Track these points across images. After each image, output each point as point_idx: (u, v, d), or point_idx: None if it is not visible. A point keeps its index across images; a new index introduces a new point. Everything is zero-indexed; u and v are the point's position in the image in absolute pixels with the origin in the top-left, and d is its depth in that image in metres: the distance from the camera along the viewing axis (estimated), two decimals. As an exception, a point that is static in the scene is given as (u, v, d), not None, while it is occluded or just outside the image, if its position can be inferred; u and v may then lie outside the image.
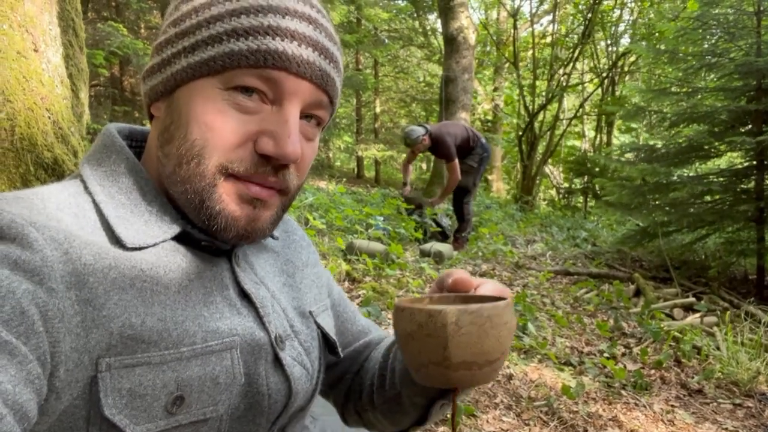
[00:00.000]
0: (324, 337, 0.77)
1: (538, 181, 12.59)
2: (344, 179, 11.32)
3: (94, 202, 0.59)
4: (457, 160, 5.15)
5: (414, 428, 0.78)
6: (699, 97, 5.28)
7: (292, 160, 0.60)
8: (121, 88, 9.34)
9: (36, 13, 1.11)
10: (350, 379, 0.86)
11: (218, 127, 0.58)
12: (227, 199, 0.60)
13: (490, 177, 13.87)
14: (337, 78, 0.65)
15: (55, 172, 1.10)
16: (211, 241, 0.64)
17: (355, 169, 14.80)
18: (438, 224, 5.56)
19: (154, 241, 0.59)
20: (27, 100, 1.06)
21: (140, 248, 0.58)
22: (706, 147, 5.06)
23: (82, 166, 0.63)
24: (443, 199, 5.51)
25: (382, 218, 5.13)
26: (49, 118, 1.12)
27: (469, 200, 5.52)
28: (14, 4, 1.05)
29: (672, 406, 2.50)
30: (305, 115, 0.63)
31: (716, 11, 4.99)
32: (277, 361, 0.65)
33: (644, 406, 2.44)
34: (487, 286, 0.62)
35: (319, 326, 0.75)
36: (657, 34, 10.20)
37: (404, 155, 5.63)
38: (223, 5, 0.59)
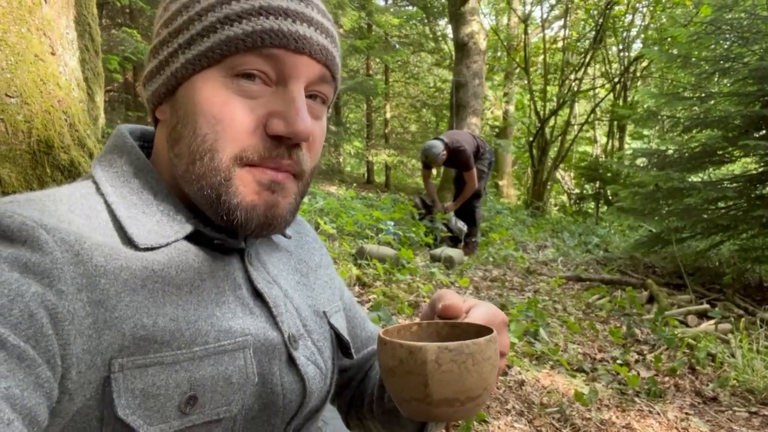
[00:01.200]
0: (337, 337, 0.76)
1: (549, 187, 12.52)
2: (354, 184, 11.33)
3: (106, 202, 0.59)
4: (475, 169, 5.20)
5: None
6: (712, 101, 5.23)
7: (304, 137, 0.59)
8: (134, 93, 9.43)
9: (53, 17, 1.12)
10: (355, 387, 0.86)
11: (227, 117, 0.58)
12: (244, 190, 0.59)
13: (500, 182, 13.82)
14: (335, 52, 0.65)
15: (71, 174, 1.11)
16: (223, 239, 0.63)
17: (365, 175, 14.81)
18: (449, 229, 5.55)
19: (166, 241, 0.58)
20: (44, 102, 1.07)
21: (152, 248, 0.58)
22: (720, 152, 5.01)
23: (94, 167, 0.64)
24: (458, 205, 5.52)
25: (392, 223, 5.13)
26: (66, 120, 1.13)
27: (479, 204, 5.59)
28: (32, 8, 1.07)
29: (686, 413, 2.47)
30: (309, 95, 0.63)
31: (730, 16, 4.95)
32: (291, 361, 0.64)
33: (658, 414, 2.41)
34: (479, 312, 0.62)
35: (332, 326, 0.75)
36: (669, 39, 10.14)
37: (414, 161, 5.70)
38: None
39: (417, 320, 0.65)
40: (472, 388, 0.52)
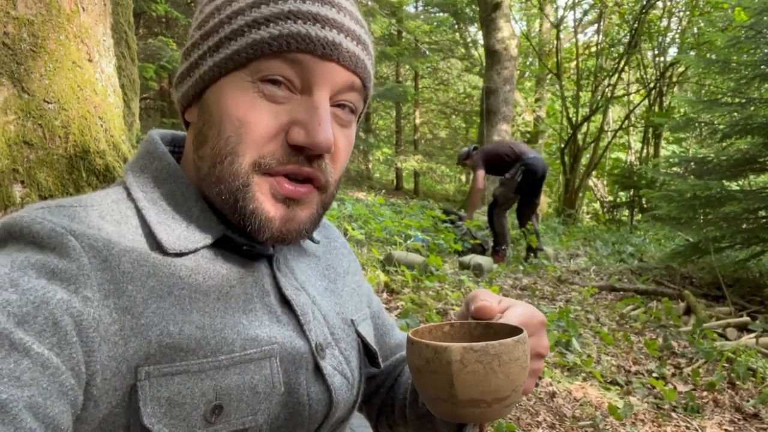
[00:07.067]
0: (365, 347, 0.75)
1: (581, 194, 12.31)
2: (383, 191, 11.34)
3: (136, 208, 0.60)
4: (480, 171, 5.58)
5: None
6: (753, 108, 5.07)
7: (324, 149, 0.58)
8: (169, 100, 9.64)
9: (91, 25, 1.15)
10: (384, 393, 0.85)
11: (251, 120, 0.57)
12: (261, 197, 0.59)
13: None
14: (367, 59, 0.63)
15: (106, 178, 1.14)
16: (251, 245, 0.63)
17: (394, 181, 14.82)
18: (473, 236, 5.58)
19: (194, 247, 0.58)
20: (81, 108, 1.09)
21: (181, 254, 0.57)
22: (761, 159, 4.85)
23: (126, 173, 0.64)
24: (470, 212, 5.81)
25: (421, 230, 5.12)
26: (102, 126, 1.16)
27: (498, 212, 5.55)
28: (71, 16, 1.09)
29: (726, 430, 2.38)
30: (338, 104, 0.62)
31: (771, 19, 4.79)
32: (318, 371, 0.63)
33: (696, 430, 2.33)
34: (514, 312, 0.59)
35: (360, 335, 0.74)
36: (707, 43, 9.89)
37: (443, 167, 6.11)
38: None
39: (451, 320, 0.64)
40: (498, 389, 0.50)
